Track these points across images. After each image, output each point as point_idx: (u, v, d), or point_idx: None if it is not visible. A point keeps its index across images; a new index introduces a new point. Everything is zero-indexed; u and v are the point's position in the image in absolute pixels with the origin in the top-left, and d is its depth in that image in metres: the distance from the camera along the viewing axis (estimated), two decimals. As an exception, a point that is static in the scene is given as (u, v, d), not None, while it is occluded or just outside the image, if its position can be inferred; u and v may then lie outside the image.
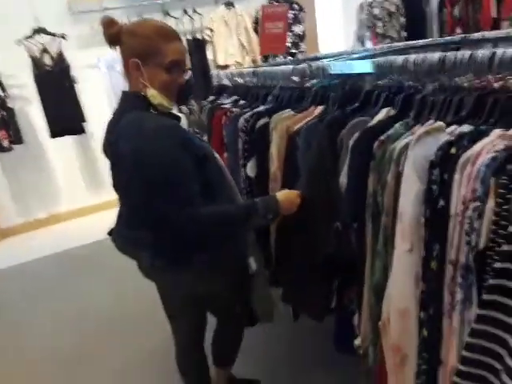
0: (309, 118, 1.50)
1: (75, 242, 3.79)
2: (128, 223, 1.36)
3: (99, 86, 4.20)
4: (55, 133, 3.94)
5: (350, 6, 5.47)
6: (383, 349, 1.02)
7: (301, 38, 4.86)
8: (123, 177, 1.28)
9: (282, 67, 1.78)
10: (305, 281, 1.38)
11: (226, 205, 1.29)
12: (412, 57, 1.17)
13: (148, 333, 2.39)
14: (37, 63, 3.82)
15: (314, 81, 1.72)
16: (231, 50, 4.47)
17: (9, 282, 3.35)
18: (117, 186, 1.37)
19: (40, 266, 3.53)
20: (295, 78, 1.88)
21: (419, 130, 1.00)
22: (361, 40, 5.54)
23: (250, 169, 1.70)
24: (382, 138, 1.07)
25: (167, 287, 1.45)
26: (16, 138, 3.83)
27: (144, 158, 1.17)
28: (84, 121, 4.03)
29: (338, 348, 1.43)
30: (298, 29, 4.85)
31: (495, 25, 5.51)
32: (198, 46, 4.31)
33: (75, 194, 4.46)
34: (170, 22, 4.11)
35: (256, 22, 4.56)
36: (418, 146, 0.91)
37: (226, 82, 2.57)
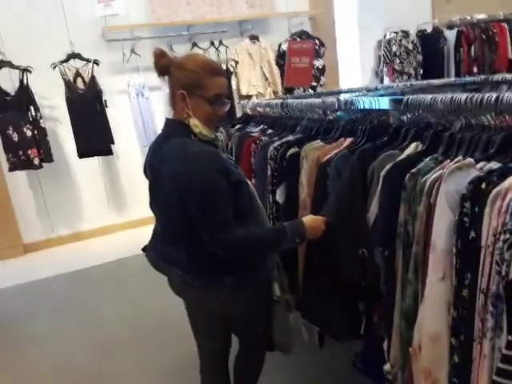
0: (338, 149, 1.57)
1: (96, 260, 3.87)
2: (163, 240, 1.44)
3: (127, 110, 4.39)
4: (83, 153, 4.09)
5: (368, 42, 5.64)
6: (413, 373, 1.06)
7: (321, 71, 5.01)
8: (163, 197, 1.37)
9: (311, 100, 1.87)
10: (330, 303, 1.43)
11: (256, 228, 1.36)
12: (439, 96, 1.24)
13: (164, 350, 2.43)
14: (70, 86, 4.01)
15: (339, 113, 1.82)
16: (254, 81, 4.63)
17: (27, 296, 3.43)
18: (155, 204, 1.46)
19: (59, 282, 3.61)
20: (319, 111, 1.98)
21: (449, 164, 1.07)
22: (379, 76, 5.68)
23: (279, 195, 1.78)
24: (413, 170, 1.13)
25: (195, 305, 1.52)
26: (46, 156, 3.98)
27: (185, 181, 1.25)
28: (112, 143, 4.18)
29: (365, 372, 1.45)
30: (318, 63, 4.99)
31: (511, 66, 5.62)
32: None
33: (98, 213, 4.58)
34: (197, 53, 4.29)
35: (278, 56, 4.74)
36: (450, 180, 0.97)
37: (249, 111, 2.68)
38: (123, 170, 4.60)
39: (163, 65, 1.35)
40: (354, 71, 6.02)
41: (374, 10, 5.42)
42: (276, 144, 1.86)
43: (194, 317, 1.57)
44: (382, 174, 1.20)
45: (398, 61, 5.54)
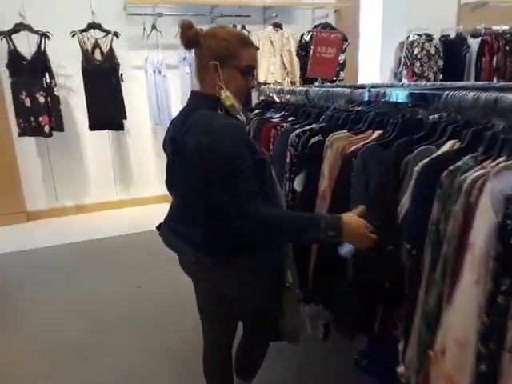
0: (367, 141, 1.52)
1: (98, 233, 3.84)
2: (180, 217, 1.39)
3: (142, 86, 4.32)
4: (94, 126, 4.03)
5: (390, 42, 5.56)
6: (430, 378, 1.01)
7: (341, 66, 4.92)
8: (185, 171, 1.31)
9: (340, 89, 1.81)
10: (345, 302, 1.38)
11: (286, 211, 1.31)
12: (483, 94, 1.19)
13: (161, 333, 2.40)
14: (87, 56, 3.94)
15: (363, 107, 1.76)
16: (272, 69, 4.55)
17: (27, 264, 3.40)
18: (176, 179, 1.40)
19: (60, 252, 3.58)
20: (341, 101, 1.92)
21: (492, 164, 1.01)
22: (398, 77, 5.60)
23: (298, 183, 1.72)
24: (451, 167, 1.08)
25: (206, 286, 1.47)
26: (57, 125, 3.92)
27: (212, 152, 1.20)
28: (125, 118, 4.12)
29: (367, 371, 1.41)
30: (339, 57, 4.92)
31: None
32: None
33: (104, 187, 4.54)
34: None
35: (300, 47, 4.66)
36: (495, 180, 0.92)
37: (269, 97, 2.62)
38: (133, 146, 4.55)
39: (191, 36, 1.29)
40: (373, 70, 5.94)
41: (400, 10, 5.33)
42: (298, 131, 1.81)
43: (203, 299, 1.53)
44: (417, 169, 1.15)
45: (418, 64, 5.46)
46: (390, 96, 1.57)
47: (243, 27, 4.44)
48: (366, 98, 1.66)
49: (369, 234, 1.20)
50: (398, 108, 1.64)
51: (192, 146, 1.25)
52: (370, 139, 1.53)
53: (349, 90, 1.78)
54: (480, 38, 5.45)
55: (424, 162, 1.14)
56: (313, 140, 1.68)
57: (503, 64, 5.59)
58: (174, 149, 1.36)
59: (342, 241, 1.25)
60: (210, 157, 1.20)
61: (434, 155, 1.15)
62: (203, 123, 1.26)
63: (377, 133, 1.55)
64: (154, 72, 4.23)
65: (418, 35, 5.37)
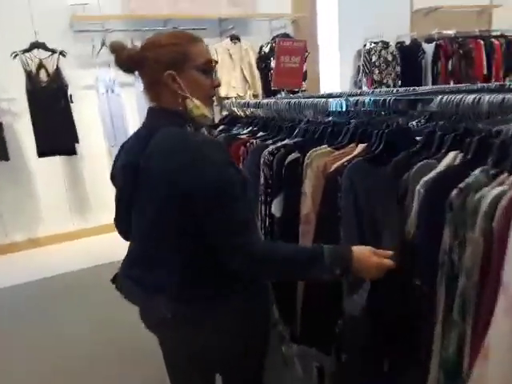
0: (350, 156, 1.35)
1: (55, 269, 3.49)
2: (144, 263, 1.15)
3: (94, 107, 4.03)
4: (43, 152, 3.71)
5: (348, 50, 5.56)
6: None
7: (304, 76, 4.82)
8: (150, 204, 1.09)
9: (314, 99, 1.64)
10: (351, 344, 1.18)
11: (288, 243, 1.10)
12: (486, 97, 1.04)
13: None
14: (31, 78, 3.63)
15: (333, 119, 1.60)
16: (233, 83, 4.39)
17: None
18: (136, 216, 1.17)
19: (13, 294, 3.21)
20: (310, 113, 1.75)
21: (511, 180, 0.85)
22: (358, 85, 5.59)
23: (276, 207, 1.53)
24: (461, 185, 0.91)
25: (178, 343, 1.21)
26: (2, 153, 3.58)
27: (194, 175, 0.99)
28: (77, 142, 3.81)
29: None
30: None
31: (486, 81, 5.66)
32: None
33: (59, 217, 4.18)
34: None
35: (259, 59, 4.53)
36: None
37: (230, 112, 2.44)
38: (88, 171, 4.22)
39: (125, 58, 1.10)
40: (333, 79, 5.91)
41: (355, 19, 5.32)
42: (271, 148, 1.62)
43: (174, 359, 1.29)
44: (419, 188, 0.98)
45: (377, 71, 5.48)
46: (371, 103, 1.41)
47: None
48: (344, 108, 1.50)
49: (384, 261, 1.02)
50: (375, 117, 1.50)
51: (160, 172, 1.03)
52: (354, 154, 1.36)
53: (323, 100, 1.61)
54: (434, 42, 5.53)
55: (426, 178, 0.97)
56: (289, 158, 1.49)
57: (458, 67, 5.68)
58: (131, 178, 1.12)
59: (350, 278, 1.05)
60: (188, 183, 0.98)
61: (437, 170, 0.98)
62: (175, 143, 1.05)
63: (360, 146, 1.38)
64: (107, 91, 3.95)
65: (375, 43, 5.38)
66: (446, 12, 5.71)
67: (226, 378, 1.33)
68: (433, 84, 5.57)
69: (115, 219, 1.30)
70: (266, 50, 4.44)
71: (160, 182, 1.04)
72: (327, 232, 1.29)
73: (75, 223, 4.24)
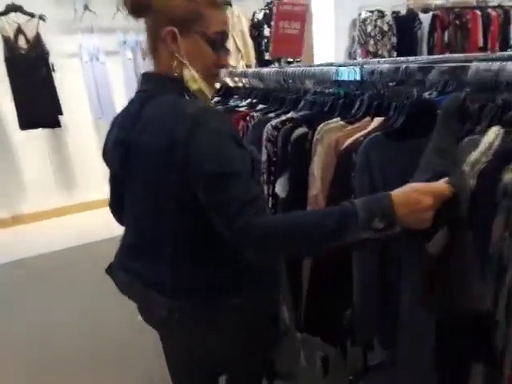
0: (366, 131, 1.22)
1: (40, 248, 3.35)
2: (139, 253, 1.02)
3: (78, 76, 3.80)
4: (26, 124, 3.51)
5: (342, 21, 5.34)
6: None
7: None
8: (146, 184, 0.95)
9: (323, 68, 1.50)
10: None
11: (300, 211, 0.96)
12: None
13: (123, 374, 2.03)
14: (9, 45, 3.39)
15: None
16: (226, 51, 4.17)
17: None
18: (128, 201, 1.03)
19: (-3, 274, 3.08)
20: (312, 84, 1.61)
21: None
22: (352, 57, 5.41)
23: (281, 187, 1.40)
24: None
25: (183, 343, 1.09)
26: (-21, 126, 3.37)
27: (188, 149, 0.84)
28: (60, 113, 3.61)
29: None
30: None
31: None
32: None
33: (44, 193, 4.00)
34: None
35: (252, 26, 4.31)
36: None
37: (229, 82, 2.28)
38: (73, 145, 4.03)
39: None
40: (327, 49, 5.70)
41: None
42: (275, 122, 1.48)
43: (177, 360, 1.18)
44: (466, 169, 0.85)
45: (372, 42, 5.30)
46: (390, 72, 1.27)
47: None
48: (359, 78, 1.35)
49: (437, 187, 0.78)
50: (390, 87, 1.36)
51: (155, 147, 0.89)
52: (370, 129, 1.23)
53: (334, 68, 1.46)
54: (431, 13, 5.35)
55: (473, 159, 0.84)
56: (296, 133, 1.36)
57: (454, 39, 5.53)
58: (124, 157, 0.98)
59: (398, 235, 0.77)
60: (186, 157, 0.85)
61: (482, 149, 0.86)
62: (170, 112, 0.90)
63: (377, 120, 1.25)
64: (91, 59, 3.72)
65: (371, 12, 5.17)
66: (443, -20, 5.51)
67: (229, 377, 1.24)
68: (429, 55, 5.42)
69: (110, 202, 1.17)
70: (260, 16, 4.21)
71: (154, 161, 0.91)
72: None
73: (61, 199, 4.07)
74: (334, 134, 1.25)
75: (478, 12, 5.56)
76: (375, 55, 5.28)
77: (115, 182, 1.11)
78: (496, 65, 0.96)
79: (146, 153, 0.92)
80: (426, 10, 5.42)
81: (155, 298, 0.96)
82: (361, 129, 1.24)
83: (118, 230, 1.15)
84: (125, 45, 3.76)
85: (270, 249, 0.84)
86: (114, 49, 3.83)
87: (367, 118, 1.28)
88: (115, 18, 3.37)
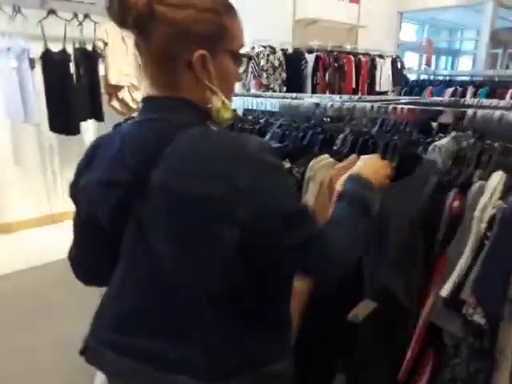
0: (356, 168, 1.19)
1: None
2: (162, 326, 0.78)
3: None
4: None
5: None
6: None
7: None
8: (195, 233, 0.74)
9: (305, 101, 1.43)
10: None
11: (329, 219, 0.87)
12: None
13: None
14: None
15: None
16: (126, 70, 3.88)
17: None
18: (131, 256, 0.80)
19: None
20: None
21: None
22: (246, 88, 5.56)
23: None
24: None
25: None
26: None
27: (267, 191, 0.72)
28: None
29: None
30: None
31: (355, 94, 6.19)
32: (88, 58, 3.64)
33: None
34: (55, 24, 3.38)
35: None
36: None
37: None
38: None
39: (142, 4, 0.72)
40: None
41: (246, 22, 5.25)
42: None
43: None
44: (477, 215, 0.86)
45: (265, 75, 5.52)
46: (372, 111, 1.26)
47: (86, 16, 3.64)
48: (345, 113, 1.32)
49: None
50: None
51: (201, 195, 0.70)
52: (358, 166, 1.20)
53: (313, 100, 1.41)
54: (315, 54, 5.81)
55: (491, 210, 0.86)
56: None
57: (334, 79, 6.08)
58: (124, 203, 0.76)
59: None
60: (252, 206, 0.70)
61: (489, 195, 0.88)
62: (219, 152, 0.72)
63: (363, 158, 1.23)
64: (18, 62, 3.15)
65: (263, 46, 5.41)
66: (322, 26, 6.05)
67: None
68: (312, 93, 5.85)
69: (75, 254, 0.91)
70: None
71: (200, 212, 0.71)
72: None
73: None
74: (327, 172, 1.19)
75: (352, 57, 6.21)
76: (268, 88, 5.50)
77: (91, 231, 0.84)
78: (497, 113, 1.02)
79: (183, 202, 0.71)
80: (310, 51, 5.86)
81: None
82: (351, 166, 1.21)
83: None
84: (9, 51, 3.22)
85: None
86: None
87: (353, 155, 1.26)
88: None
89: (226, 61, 0.79)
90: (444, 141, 1.54)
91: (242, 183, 0.69)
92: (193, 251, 0.74)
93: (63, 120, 3.55)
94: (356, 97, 2.04)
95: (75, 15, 3.57)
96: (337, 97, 2.06)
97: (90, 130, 4.01)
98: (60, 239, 3.00)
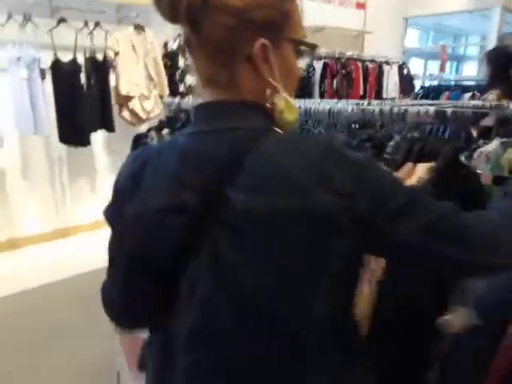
0: (415, 178, 1.09)
1: None
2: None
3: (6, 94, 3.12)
4: None
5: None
6: None
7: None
8: (295, 255, 0.61)
9: (339, 106, 1.35)
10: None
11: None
12: None
13: None
14: None
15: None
16: (136, 80, 3.80)
17: None
18: (203, 288, 0.65)
19: None
20: None
21: None
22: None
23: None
24: None
25: None
26: None
27: (371, 190, 0.62)
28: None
29: None
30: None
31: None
32: (98, 68, 3.58)
33: None
34: (65, 33, 3.32)
35: (166, 56, 4.04)
36: None
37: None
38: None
39: None
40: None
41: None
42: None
43: None
44: None
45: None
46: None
47: (97, 25, 3.57)
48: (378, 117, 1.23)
49: None
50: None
51: (299, 211, 0.59)
52: (418, 176, 1.11)
53: (351, 106, 1.33)
54: (323, 61, 5.75)
55: None
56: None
57: (341, 87, 6.01)
58: (195, 230, 0.63)
59: None
60: (357, 212, 0.60)
61: None
62: (317, 157, 0.61)
63: (422, 166, 1.13)
64: (29, 72, 3.08)
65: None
66: (329, 33, 6.00)
67: None
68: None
69: (108, 296, 0.76)
70: (174, 47, 3.97)
71: (299, 230, 0.60)
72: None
73: None
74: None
75: (359, 64, 6.15)
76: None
77: (140, 267, 0.68)
78: None
79: (279, 224, 0.60)
80: (318, 58, 5.81)
81: None
82: (408, 175, 1.12)
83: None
84: (19, 61, 3.15)
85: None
86: (3, 66, 3.20)
87: (409, 163, 1.16)
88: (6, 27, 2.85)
89: (288, 52, 0.68)
90: (490, 147, 1.45)
91: (344, 187, 0.59)
92: (299, 281, 0.62)
93: (73, 131, 3.47)
94: (388, 101, 1.95)
95: (86, 24, 3.51)
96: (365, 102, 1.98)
97: (99, 141, 3.93)
98: (68, 254, 3.01)
